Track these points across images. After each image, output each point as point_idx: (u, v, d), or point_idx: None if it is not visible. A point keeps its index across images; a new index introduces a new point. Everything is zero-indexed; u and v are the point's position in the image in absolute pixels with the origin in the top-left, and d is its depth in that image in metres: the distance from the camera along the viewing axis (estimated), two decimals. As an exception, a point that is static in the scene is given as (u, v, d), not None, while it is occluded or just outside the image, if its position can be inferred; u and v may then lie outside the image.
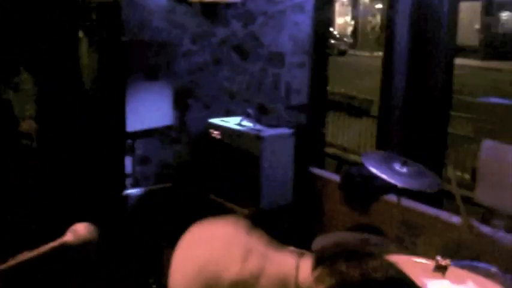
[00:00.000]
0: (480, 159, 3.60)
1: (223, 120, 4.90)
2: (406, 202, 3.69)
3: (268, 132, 4.60)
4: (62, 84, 4.43)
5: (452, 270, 2.05)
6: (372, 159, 3.49)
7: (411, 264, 2.19)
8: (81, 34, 4.62)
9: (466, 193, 3.70)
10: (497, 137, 3.42)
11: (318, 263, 1.18)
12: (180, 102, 4.95)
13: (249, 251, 1.23)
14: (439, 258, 2.02)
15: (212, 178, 4.70)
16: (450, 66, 4.43)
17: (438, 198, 3.85)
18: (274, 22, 5.31)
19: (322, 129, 5.43)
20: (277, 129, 4.74)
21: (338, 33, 17.82)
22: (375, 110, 4.85)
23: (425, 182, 3.24)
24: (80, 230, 1.83)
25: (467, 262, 2.61)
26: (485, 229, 3.35)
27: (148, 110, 4.80)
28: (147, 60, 4.73)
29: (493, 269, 2.56)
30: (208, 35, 5.03)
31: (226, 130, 4.77)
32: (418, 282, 1.22)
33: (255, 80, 5.30)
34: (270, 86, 5.37)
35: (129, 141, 4.71)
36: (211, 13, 5.00)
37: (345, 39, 18.75)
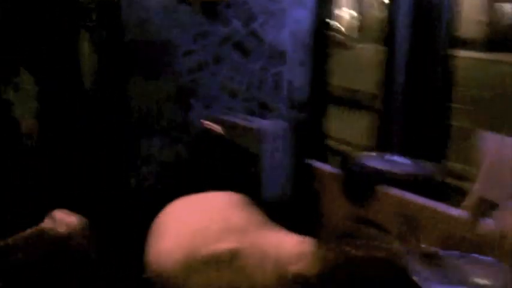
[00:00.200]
0: (481, 152, 3.57)
1: (223, 117, 4.91)
2: (409, 196, 3.67)
3: (267, 127, 4.60)
4: (62, 84, 4.46)
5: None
6: (372, 153, 3.50)
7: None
8: (81, 34, 4.65)
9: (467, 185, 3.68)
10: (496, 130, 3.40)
11: (323, 243, 1.18)
12: (181, 102, 4.96)
13: (245, 227, 1.23)
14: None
15: (211, 174, 4.71)
16: (452, 58, 4.40)
17: (442, 192, 3.83)
18: (275, 19, 5.30)
19: (324, 124, 5.42)
20: (277, 125, 4.73)
21: (343, 28, 17.82)
22: (377, 104, 4.83)
23: (427, 171, 3.24)
24: (59, 217, 1.83)
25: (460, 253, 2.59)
26: (489, 223, 3.33)
27: (150, 109, 4.84)
28: (148, 60, 4.76)
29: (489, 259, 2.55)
30: (208, 34, 5.04)
31: (227, 126, 4.77)
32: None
33: (256, 78, 5.30)
34: (271, 84, 5.37)
35: (130, 141, 4.74)
36: (211, 12, 5.00)
37: (350, 33, 18.82)
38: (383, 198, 3.66)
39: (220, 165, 4.67)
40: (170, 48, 4.83)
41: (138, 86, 4.74)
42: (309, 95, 5.44)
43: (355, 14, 5.20)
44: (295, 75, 5.49)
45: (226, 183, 4.73)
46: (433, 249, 2.06)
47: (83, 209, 2.66)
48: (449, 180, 3.93)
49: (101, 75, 4.65)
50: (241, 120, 4.85)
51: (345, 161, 4.20)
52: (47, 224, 1.83)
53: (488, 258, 2.56)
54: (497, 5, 3.99)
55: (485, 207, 3.09)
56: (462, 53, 4.20)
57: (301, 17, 5.43)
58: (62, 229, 1.85)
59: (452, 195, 3.84)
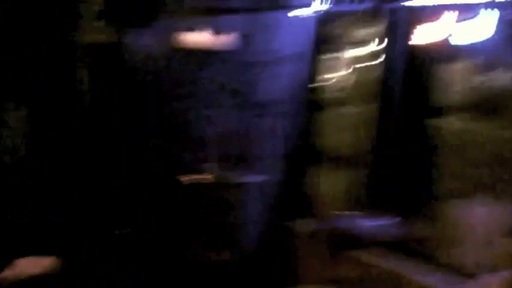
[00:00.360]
0: (465, 217, 3.62)
1: (211, 164, 4.93)
2: (389, 256, 3.68)
3: (247, 179, 4.61)
4: (60, 120, 4.48)
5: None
6: (357, 213, 3.52)
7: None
8: (82, 73, 4.71)
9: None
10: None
11: None
12: (168, 147, 4.98)
13: None
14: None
15: (190, 224, 4.69)
16: (440, 122, 4.49)
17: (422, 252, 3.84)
18: (267, 71, 5.42)
19: (304, 179, 5.46)
20: (257, 177, 4.75)
21: (336, 87, 18.01)
22: (364, 162, 4.88)
23: (411, 234, 3.25)
24: (21, 265, 1.82)
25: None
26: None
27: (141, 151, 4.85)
28: (141, 103, 4.82)
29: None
30: (203, 81, 5.13)
31: (212, 176, 4.79)
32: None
33: (248, 126, 5.36)
34: (261, 133, 5.43)
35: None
36: (207, 61, 5.11)
37: (338, 93, 19.03)
38: (357, 261, 3.66)
39: (200, 215, 4.66)
40: (163, 94, 4.90)
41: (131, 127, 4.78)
42: (297, 148, 5.49)
43: (348, 75, 5.32)
44: (279, 126, 5.55)
45: (203, 231, 4.72)
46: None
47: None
48: (429, 239, 3.94)
49: (100, 115, 4.69)
50: (223, 171, 4.86)
51: (330, 220, 4.21)
52: (6, 274, 1.82)
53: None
54: (481, 75, 4.11)
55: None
56: (445, 120, 4.31)
57: (294, 71, 5.55)
58: (23, 277, 1.84)
59: (432, 255, 3.83)
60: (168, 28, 4.82)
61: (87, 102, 4.59)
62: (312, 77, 5.55)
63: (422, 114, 4.49)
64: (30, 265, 1.90)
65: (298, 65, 5.54)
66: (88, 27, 4.56)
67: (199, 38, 4.91)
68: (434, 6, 4.30)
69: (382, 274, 3.52)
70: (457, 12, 4.03)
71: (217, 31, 5.00)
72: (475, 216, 3.51)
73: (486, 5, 3.87)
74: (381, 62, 4.87)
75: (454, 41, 4.11)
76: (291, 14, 5.37)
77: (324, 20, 5.38)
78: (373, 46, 5.02)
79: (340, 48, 5.38)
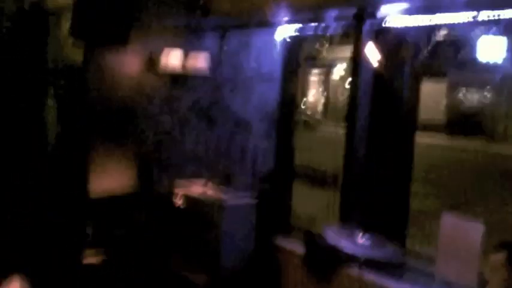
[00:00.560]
0: (440, 233, 3.61)
1: (187, 185, 4.87)
2: (368, 275, 3.65)
3: (230, 200, 4.58)
4: (25, 146, 4.38)
5: None
6: (334, 231, 3.48)
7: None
8: (49, 94, 4.62)
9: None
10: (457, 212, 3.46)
11: None
12: (145, 168, 4.92)
13: None
14: None
15: (172, 244, 4.61)
16: (411, 141, 4.51)
17: (400, 270, 3.82)
18: (242, 92, 5.42)
19: (287, 198, 5.43)
20: (240, 198, 4.72)
21: (308, 109, 18.34)
22: (339, 181, 4.87)
23: (387, 252, 3.23)
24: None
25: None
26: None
27: (111, 175, 4.76)
28: (112, 126, 4.74)
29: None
30: (175, 101, 5.08)
31: (189, 197, 4.73)
32: None
33: (221, 147, 5.33)
34: (236, 153, 5.40)
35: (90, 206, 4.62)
36: (179, 81, 5.07)
37: (315, 115, 19.43)
38: (344, 278, 3.63)
39: (181, 234, 4.59)
40: (136, 114, 4.84)
41: (100, 150, 4.69)
42: (274, 170, 5.47)
43: (319, 93, 5.35)
44: (261, 146, 5.53)
45: (186, 252, 4.64)
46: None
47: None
48: (407, 257, 3.94)
49: (65, 139, 4.60)
50: (204, 189, 4.82)
51: (307, 239, 4.18)
52: None
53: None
54: (457, 91, 4.17)
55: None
56: (421, 136, 4.33)
57: (267, 92, 5.55)
58: None
59: (410, 274, 3.83)
60: (140, 48, 4.78)
61: (54, 126, 4.50)
62: (284, 97, 5.56)
63: (392, 132, 4.52)
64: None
65: (270, 86, 5.55)
66: (57, 46, 4.49)
67: (171, 60, 4.87)
68: (401, 27, 4.36)
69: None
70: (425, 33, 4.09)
71: (189, 51, 4.98)
72: (452, 232, 3.50)
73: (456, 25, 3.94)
74: (350, 83, 4.91)
75: (425, 60, 4.16)
76: (262, 36, 5.40)
77: (294, 41, 5.42)
78: (343, 67, 5.06)
79: (311, 69, 5.41)
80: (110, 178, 4.74)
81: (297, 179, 5.44)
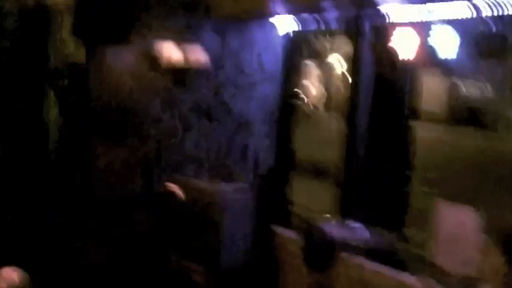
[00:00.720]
0: (436, 222, 3.64)
1: (188, 183, 4.91)
2: (366, 263, 3.68)
3: (230, 194, 4.61)
4: (27, 147, 4.42)
5: None
6: (333, 222, 3.53)
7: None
8: (50, 97, 4.66)
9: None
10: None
11: None
12: (147, 168, 4.95)
13: None
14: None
15: (172, 242, 4.65)
16: (410, 133, 4.55)
17: (399, 260, 3.85)
18: (243, 91, 5.45)
19: (288, 192, 5.47)
20: (240, 192, 4.75)
21: (309, 102, 18.35)
22: (339, 174, 4.92)
23: (384, 241, 3.28)
24: (6, 275, 1.81)
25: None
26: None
27: (112, 174, 4.79)
28: (114, 125, 4.77)
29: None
30: (177, 101, 5.12)
31: (188, 188, 4.76)
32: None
33: (223, 147, 5.36)
34: (238, 153, 5.44)
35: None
36: (181, 81, 5.11)
37: (316, 108, 19.47)
38: (343, 266, 3.66)
39: (180, 231, 4.63)
40: (137, 114, 4.88)
41: (103, 150, 4.73)
42: (274, 165, 5.51)
43: (321, 89, 5.38)
44: (262, 145, 5.58)
45: (187, 248, 4.68)
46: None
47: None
48: (406, 247, 3.97)
49: (67, 139, 4.63)
50: (204, 185, 4.85)
51: (307, 229, 4.21)
52: None
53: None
54: (456, 83, 4.19)
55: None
56: (421, 127, 4.37)
57: (269, 91, 5.60)
58: (2, 286, 1.83)
59: (409, 262, 3.85)
60: (141, 47, 4.83)
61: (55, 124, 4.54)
62: (286, 92, 5.60)
63: (393, 124, 4.55)
64: (8, 274, 1.88)
65: (272, 84, 5.59)
66: (59, 45, 4.53)
67: (172, 57, 4.91)
68: (401, 22, 4.40)
69: (377, 277, 3.51)
70: (426, 26, 4.13)
71: (191, 51, 5.02)
72: (448, 221, 3.53)
73: (454, 20, 3.97)
74: (352, 76, 4.95)
75: (425, 53, 4.20)
76: (263, 33, 5.44)
77: (296, 36, 5.46)
78: (345, 62, 5.10)
79: (312, 65, 5.45)
80: (111, 177, 4.78)
81: (298, 172, 5.49)
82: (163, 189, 4.80)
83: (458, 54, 4.05)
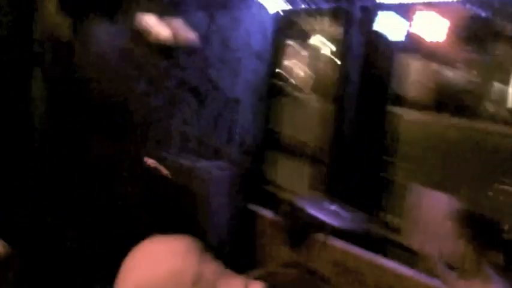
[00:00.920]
0: (412, 206, 3.71)
1: (175, 159, 4.94)
2: (342, 244, 3.76)
3: (216, 172, 4.65)
4: (12, 122, 4.40)
5: None
6: (310, 201, 3.58)
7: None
8: (35, 71, 4.62)
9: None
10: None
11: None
12: (133, 142, 4.97)
13: (200, 276, 1.22)
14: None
15: (155, 214, 4.70)
16: (396, 117, 4.60)
17: (375, 243, 3.94)
18: (231, 68, 5.45)
19: (273, 172, 5.53)
20: (223, 168, 4.79)
21: (296, 82, 18.38)
22: (323, 156, 4.97)
23: (357, 221, 3.35)
24: None
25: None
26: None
27: (99, 148, 4.80)
28: (101, 100, 4.77)
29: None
30: (165, 77, 5.12)
31: (177, 169, 4.79)
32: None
33: (211, 122, 5.38)
34: (224, 129, 5.46)
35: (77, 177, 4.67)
36: (169, 56, 5.09)
37: (303, 88, 19.52)
38: (319, 246, 3.74)
39: (165, 205, 4.67)
40: (123, 89, 4.87)
41: (89, 124, 4.73)
42: (259, 144, 5.56)
43: (308, 70, 5.40)
44: (248, 123, 5.61)
45: (170, 223, 4.73)
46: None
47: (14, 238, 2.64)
48: (383, 231, 4.05)
49: (53, 114, 4.62)
50: (187, 161, 4.89)
51: (286, 209, 4.27)
52: None
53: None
54: (441, 69, 4.23)
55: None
56: (406, 113, 4.41)
57: (255, 67, 5.60)
58: None
59: (385, 246, 3.94)
60: (128, 22, 4.79)
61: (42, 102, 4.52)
62: (274, 74, 5.61)
63: (379, 108, 4.59)
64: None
65: (260, 63, 5.58)
66: (45, 21, 4.48)
67: (159, 33, 4.89)
68: (392, 4, 4.40)
69: (354, 259, 3.60)
70: (416, 10, 4.13)
71: (179, 28, 5.00)
72: (433, 206, 3.61)
73: (445, 4, 3.98)
74: (339, 59, 4.96)
75: (413, 37, 4.21)
76: (252, 11, 5.41)
77: (285, 18, 5.44)
78: (332, 44, 5.10)
79: (299, 45, 5.46)
80: (96, 151, 4.79)
81: (281, 152, 5.54)
82: (144, 164, 4.83)
83: (447, 40, 4.07)
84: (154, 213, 4.79)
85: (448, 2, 4.02)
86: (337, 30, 4.96)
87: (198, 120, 5.31)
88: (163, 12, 4.95)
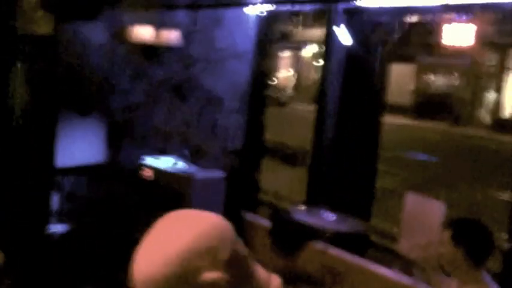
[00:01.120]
0: (403, 212, 3.72)
1: (156, 159, 4.87)
2: (333, 250, 3.75)
3: (200, 174, 4.60)
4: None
5: None
6: (300, 207, 3.57)
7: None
8: (16, 66, 4.52)
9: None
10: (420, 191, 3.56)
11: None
12: (114, 140, 4.89)
13: (236, 252, 1.21)
14: None
15: (141, 217, 4.63)
16: (378, 121, 4.61)
17: (364, 248, 3.94)
18: (214, 68, 5.41)
19: (256, 175, 5.49)
20: (210, 172, 4.75)
21: (280, 86, 18.44)
22: (307, 159, 4.96)
23: (350, 227, 3.34)
24: None
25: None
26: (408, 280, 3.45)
27: (79, 146, 4.73)
28: (81, 96, 4.69)
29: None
30: (147, 75, 5.05)
31: (159, 170, 4.74)
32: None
33: (193, 122, 5.33)
34: (207, 128, 5.41)
35: (57, 177, 4.58)
36: (151, 54, 5.03)
37: (286, 90, 19.60)
38: (310, 252, 3.73)
39: (150, 207, 4.61)
40: (105, 87, 4.79)
41: (68, 120, 4.64)
42: (243, 144, 5.51)
43: (291, 72, 5.39)
44: (231, 122, 5.56)
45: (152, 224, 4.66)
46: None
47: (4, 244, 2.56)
48: (372, 235, 4.06)
49: (32, 108, 4.53)
50: (173, 165, 4.83)
51: (275, 214, 4.26)
52: None
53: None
54: (425, 75, 4.27)
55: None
56: (389, 118, 4.43)
57: (239, 68, 5.56)
58: None
59: (374, 251, 3.95)
60: (111, 21, 4.72)
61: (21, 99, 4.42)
62: (256, 74, 5.58)
63: (361, 113, 4.60)
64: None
65: (242, 62, 5.55)
66: (26, 17, 4.38)
67: (143, 32, 4.82)
68: (374, 8, 4.41)
69: (347, 265, 3.59)
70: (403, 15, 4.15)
71: (161, 26, 4.93)
72: (414, 210, 3.62)
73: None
74: (322, 62, 4.95)
75: (398, 42, 4.24)
76: (235, 11, 5.38)
77: (268, 19, 5.41)
78: (317, 46, 5.10)
79: (285, 47, 5.44)
80: (78, 149, 4.71)
81: (267, 155, 5.51)
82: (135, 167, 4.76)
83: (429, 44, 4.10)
84: (136, 214, 4.73)
85: (433, 7, 4.04)
86: (322, 32, 4.96)
87: (180, 118, 5.26)
88: (147, 11, 4.89)
